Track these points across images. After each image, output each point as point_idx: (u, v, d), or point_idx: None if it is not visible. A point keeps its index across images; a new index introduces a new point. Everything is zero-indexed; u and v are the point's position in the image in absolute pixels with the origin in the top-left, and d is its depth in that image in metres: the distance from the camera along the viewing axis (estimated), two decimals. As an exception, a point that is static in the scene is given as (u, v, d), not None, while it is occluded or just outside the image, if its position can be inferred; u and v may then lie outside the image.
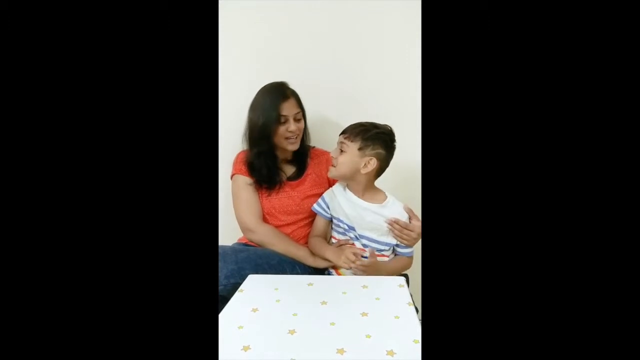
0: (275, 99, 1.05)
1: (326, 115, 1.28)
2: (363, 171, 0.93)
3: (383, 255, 0.98)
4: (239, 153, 1.16)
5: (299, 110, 1.08)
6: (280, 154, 1.12)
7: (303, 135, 1.13)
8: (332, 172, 0.97)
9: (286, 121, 1.05)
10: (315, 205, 1.06)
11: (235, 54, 1.24)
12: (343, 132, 0.96)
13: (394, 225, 0.94)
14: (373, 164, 0.93)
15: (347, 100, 1.26)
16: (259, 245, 1.07)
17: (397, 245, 0.98)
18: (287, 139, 1.07)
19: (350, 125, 0.96)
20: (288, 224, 1.11)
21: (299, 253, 1.05)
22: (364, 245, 0.97)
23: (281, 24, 1.23)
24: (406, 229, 0.95)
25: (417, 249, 0.98)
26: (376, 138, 0.93)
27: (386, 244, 0.97)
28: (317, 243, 1.05)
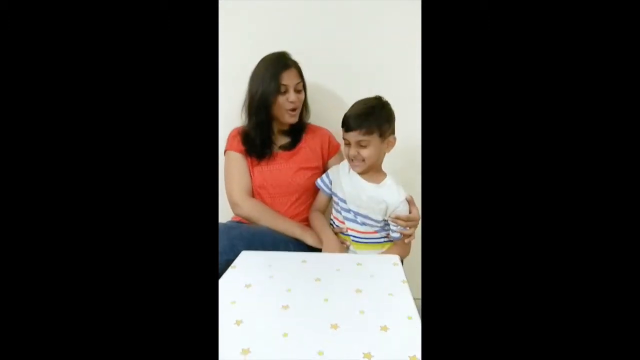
0: (275, 68, 1.02)
1: (325, 89, 1.25)
2: (387, 151, 0.95)
3: (374, 233, 0.97)
4: (233, 129, 1.14)
5: (299, 80, 1.05)
6: (276, 125, 1.10)
7: (302, 109, 1.11)
8: (362, 167, 0.92)
9: (286, 91, 1.02)
10: (318, 180, 1.05)
11: (234, 32, 1.20)
12: (352, 129, 0.89)
13: (398, 222, 0.92)
14: (394, 141, 0.94)
15: (348, 75, 1.23)
16: (248, 222, 1.06)
17: (388, 226, 0.97)
18: (286, 110, 1.04)
19: (353, 119, 0.90)
20: (280, 197, 1.09)
21: (286, 226, 1.03)
22: (363, 224, 0.96)
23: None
24: (409, 220, 0.93)
25: (417, 232, 0.97)
26: (387, 117, 0.92)
27: (379, 222, 0.96)
28: (317, 220, 1.04)
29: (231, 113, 1.12)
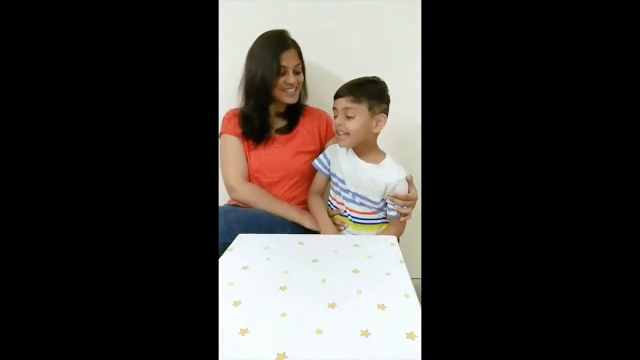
0: (275, 48, 0.99)
1: (324, 71, 1.22)
2: (375, 130, 0.91)
3: (373, 214, 0.97)
4: (229, 111, 1.11)
5: (299, 62, 1.02)
6: (273, 107, 1.08)
7: (304, 91, 1.09)
8: (346, 141, 0.90)
9: (285, 72, 1.00)
10: (316, 161, 1.04)
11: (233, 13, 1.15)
12: (342, 95, 0.89)
13: (396, 200, 0.92)
14: (384, 121, 0.91)
15: (347, 56, 1.20)
16: (244, 206, 1.06)
17: (386, 206, 0.96)
18: (284, 91, 1.02)
19: (345, 87, 0.90)
20: (278, 181, 1.08)
21: (283, 209, 1.02)
22: (361, 204, 0.96)
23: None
24: (407, 199, 0.93)
25: (416, 211, 0.96)
26: (379, 93, 0.89)
27: (377, 203, 0.96)
28: (315, 202, 1.03)
29: (228, 93, 1.08)
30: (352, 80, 0.91)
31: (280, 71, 0.98)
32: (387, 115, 0.91)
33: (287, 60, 0.99)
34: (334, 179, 1.00)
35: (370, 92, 0.88)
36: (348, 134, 0.89)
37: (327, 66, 1.21)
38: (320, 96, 1.18)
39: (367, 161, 0.94)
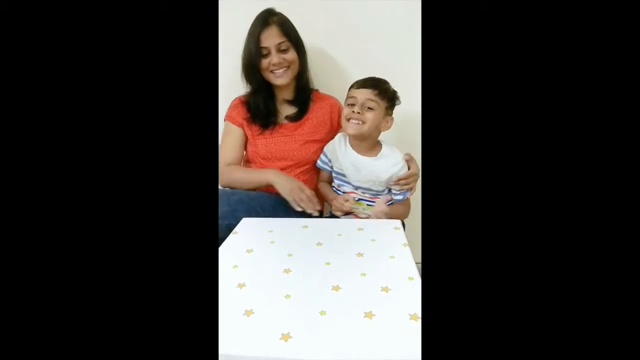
0: (253, 28, 0.95)
1: (330, 62, 1.20)
2: (383, 129, 0.93)
3: (376, 198, 0.97)
4: (236, 98, 1.10)
5: (283, 39, 0.97)
6: (279, 93, 1.05)
7: (304, 74, 1.05)
8: (361, 129, 0.89)
9: (268, 53, 0.96)
10: (318, 161, 1.04)
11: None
12: (366, 87, 0.89)
13: (400, 183, 0.93)
14: (391, 122, 0.94)
15: (352, 49, 1.18)
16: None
17: (391, 191, 0.96)
18: (272, 73, 0.98)
19: (369, 81, 0.90)
20: (285, 170, 1.05)
21: (265, 176, 0.97)
22: (366, 193, 0.96)
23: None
24: (409, 177, 0.93)
25: (417, 197, 0.96)
26: (395, 98, 0.93)
27: (382, 191, 0.96)
28: (325, 188, 1.06)
29: (234, 78, 1.07)
30: (373, 77, 0.92)
31: (261, 52, 0.95)
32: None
33: (267, 39, 0.95)
34: (337, 175, 1.01)
35: (388, 93, 0.91)
36: (364, 123, 0.89)
37: (331, 49, 1.19)
38: (325, 80, 1.16)
39: (364, 155, 0.94)
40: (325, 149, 1.03)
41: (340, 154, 0.96)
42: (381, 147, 0.95)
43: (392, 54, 1.16)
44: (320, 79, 1.16)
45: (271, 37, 0.95)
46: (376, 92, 0.89)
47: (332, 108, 1.10)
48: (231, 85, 1.08)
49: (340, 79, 1.15)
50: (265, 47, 0.95)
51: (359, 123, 0.89)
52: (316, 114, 1.08)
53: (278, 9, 1.01)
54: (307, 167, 1.07)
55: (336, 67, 1.20)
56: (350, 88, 0.93)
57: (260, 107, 1.02)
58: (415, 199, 0.97)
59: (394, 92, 0.93)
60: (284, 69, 0.99)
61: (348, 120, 0.91)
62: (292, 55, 0.99)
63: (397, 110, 0.96)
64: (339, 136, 1.00)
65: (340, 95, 1.02)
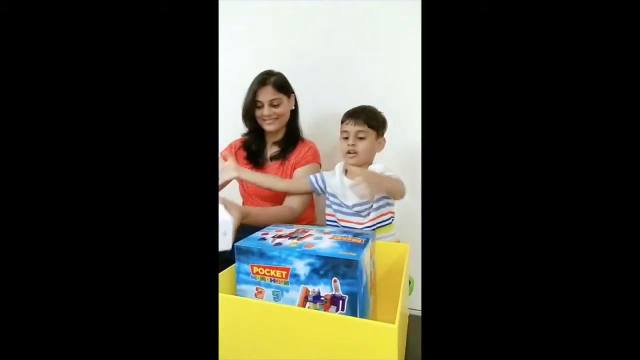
0: (253, 85, 1.15)
1: (325, 104, 1.38)
2: (378, 151, 1.04)
3: (382, 216, 1.01)
4: (237, 140, 1.27)
5: (276, 97, 1.15)
6: (269, 137, 1.23)
7: (293, 123, 1.21)
8: (355, 159, 0.99)
9: (262, 106, 1.15)
10: (311, 176, 1.10)
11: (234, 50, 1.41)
12: (357, 118, 0.98)
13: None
14: (384, 143, 1.04)
15: (344, 87, 1.36)
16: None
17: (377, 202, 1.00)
18: (263, 121, 1.17)
19: (358, 113, 1.00)
20: (266, 206, 1.18)
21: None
22: (356, 214, 1.00)
23: (281, 14, 1.39)
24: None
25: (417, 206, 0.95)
26: (382, 121, 1.03)
27: (369, 203, 1.00)
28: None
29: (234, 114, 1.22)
30: (362, 107, 1.02)
31: (256, 104, 1.15)
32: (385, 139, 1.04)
33: (262, 95, 1.14)
34: (330, 198, 1.06)
35: (377, 120, 1.01)
36: (357, 153, 0.99)
37: (328, 101, 1.37)
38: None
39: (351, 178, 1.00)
40: (325, 173, 1.10)
41: (334, 180, 1.04)
42: (368, 166, 1.03)
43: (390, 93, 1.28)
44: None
45: (265, 94, 1.14)
46: (365, 123, 0.99)
47: (302, 149, 1.21)
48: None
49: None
50: (259, 101, 1.14)
51: (355, 153, 0.99)
52: (296, 157, 1.20)
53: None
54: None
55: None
56: (341, 122, 1.03)
57: (253, 148, 1.22)
58: (416, 211, 0.99)
59: (383, 118, 1.03)
60: (273, 119, 1.16)
61: (347, 152, 1.00)
62: (282, 109, 1.17)
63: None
64: (339, 165, 1.07)
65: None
